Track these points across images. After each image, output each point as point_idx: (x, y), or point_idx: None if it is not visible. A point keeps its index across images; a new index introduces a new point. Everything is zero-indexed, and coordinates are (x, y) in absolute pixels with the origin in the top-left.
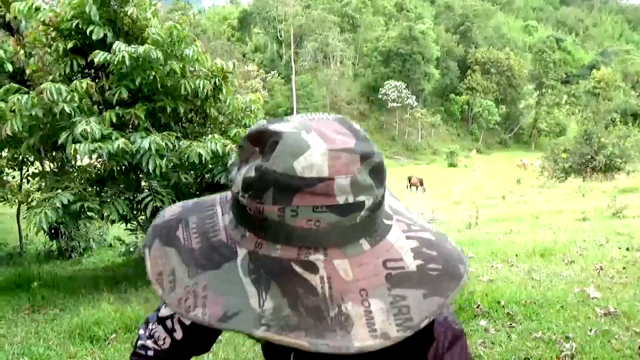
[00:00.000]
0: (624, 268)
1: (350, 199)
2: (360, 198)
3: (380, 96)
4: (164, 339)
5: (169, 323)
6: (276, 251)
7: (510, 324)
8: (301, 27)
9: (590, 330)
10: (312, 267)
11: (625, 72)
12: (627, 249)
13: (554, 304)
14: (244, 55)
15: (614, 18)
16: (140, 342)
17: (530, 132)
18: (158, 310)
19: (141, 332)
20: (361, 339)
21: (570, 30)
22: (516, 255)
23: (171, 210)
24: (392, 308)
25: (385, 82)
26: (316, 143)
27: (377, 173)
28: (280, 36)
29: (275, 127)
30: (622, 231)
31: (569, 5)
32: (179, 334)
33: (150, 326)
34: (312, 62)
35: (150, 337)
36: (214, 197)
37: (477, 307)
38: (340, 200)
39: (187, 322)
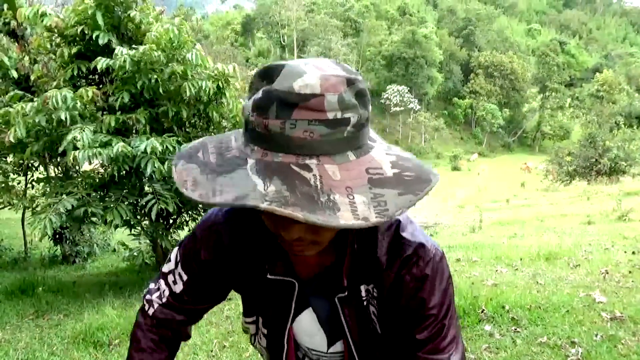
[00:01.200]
0: (629, 272)
1: (339, 115)
2: (347, 115)
3: (383, 100)
4: (163, 291)
5: (170, 277)
6: (278, 157)
7: (515, 329)
8: (304, 32)
9: (596, 335)
10: (307, 168)
11: (629, 74)
12: (633, 253)
13: (559, 309)
14: (247, 60)
15: (618, 21)
16: (147, 297)
17: (534, 136)
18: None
19: (151, 285)
20: (346, 219)
21: (573, 34)
22: (521, 259)
23: (193, 142)
24: (372, 201)
25: (388, 86)
26: (312, 70)
27: (361, 96)
28: (284, 41)
29: (279, 62)
30: (627, 235)
31: (572, 8)
32: (179, 287)
33: (159, 280)
34: None
35: (157, 289)
36: (230, 132)
37: (482, 311)
38: (330, 115)
39: (185, 277)
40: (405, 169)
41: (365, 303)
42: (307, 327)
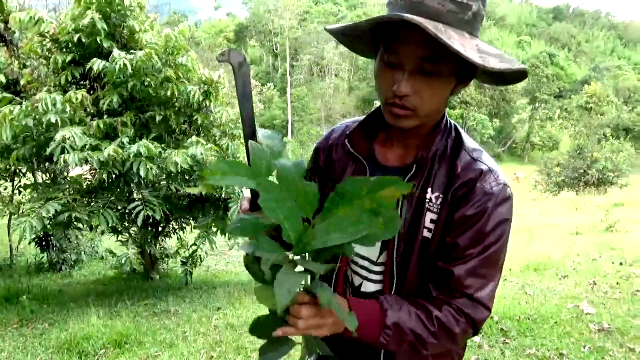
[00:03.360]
0: (617, 283)
1: (465, 0)
2: (470, 2)
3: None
4: None
5: None
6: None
7: (504, 340)
8: (297, 41)
9: (584, 347)
10: (436, 27)
11: (617, 87)
12: (621, 264)
13: (548, 320)
14: None
15: (606, 34)
16: None
17: (523, 146)
18: None
19: None
20: (461, 49)
21: (562, 46)
22: (510, 270)
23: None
24: (479, 57)
25: None
26: None
27: None
28: (276, 49)
29: None
30: (615, 245)
31: (562, 21)
32: None
33: None
34: (307, 75)
35: None
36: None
37: None
38: None
39: None
40: (505, 56)
41: (425, 207)
42: None
